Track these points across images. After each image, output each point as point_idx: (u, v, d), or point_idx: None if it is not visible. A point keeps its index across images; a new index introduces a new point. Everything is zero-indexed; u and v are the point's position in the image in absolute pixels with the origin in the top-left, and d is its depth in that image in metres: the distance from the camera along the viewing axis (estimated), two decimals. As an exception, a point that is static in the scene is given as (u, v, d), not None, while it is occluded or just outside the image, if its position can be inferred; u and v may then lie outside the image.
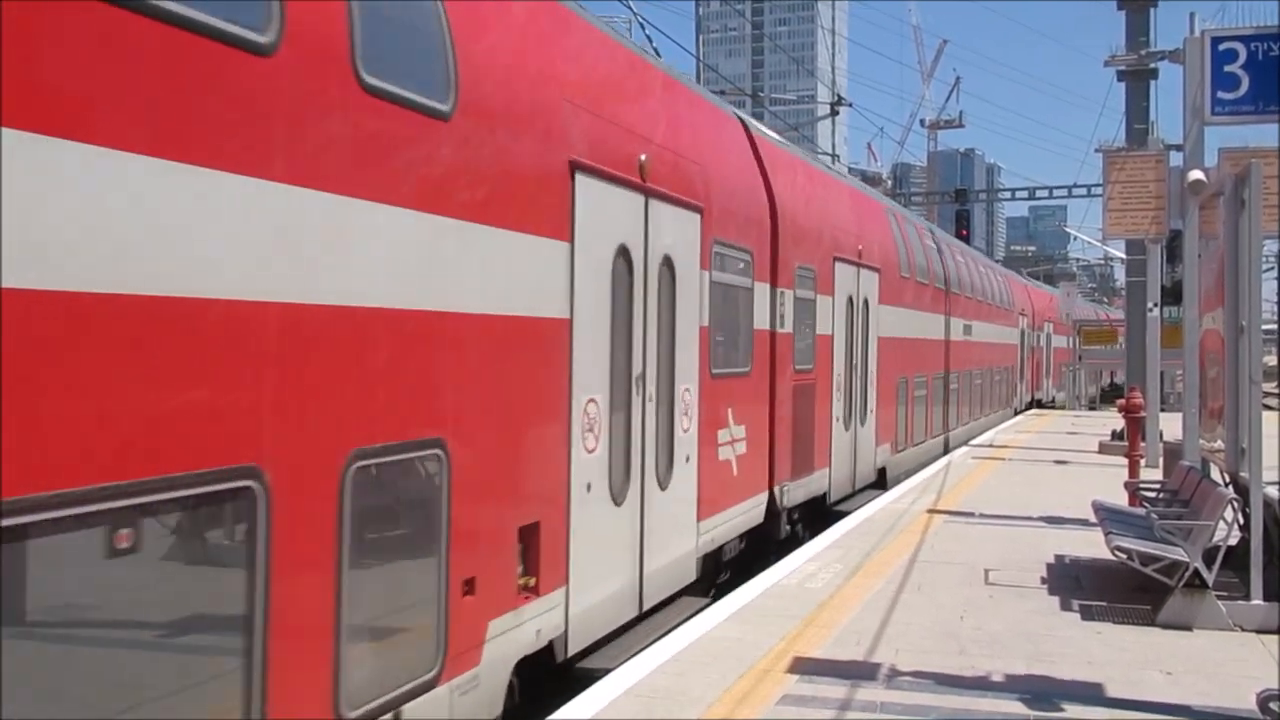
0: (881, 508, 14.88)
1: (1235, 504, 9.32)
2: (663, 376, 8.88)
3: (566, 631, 7.21)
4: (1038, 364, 41.95)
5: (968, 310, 25.81)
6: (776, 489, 12.14)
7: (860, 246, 15.71)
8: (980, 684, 7.27)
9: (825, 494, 14.20)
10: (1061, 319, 47.96)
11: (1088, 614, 9.17)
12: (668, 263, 8.92)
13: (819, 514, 14.02)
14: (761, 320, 11.72)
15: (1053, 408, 42.93)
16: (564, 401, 7.10)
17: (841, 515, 14.13)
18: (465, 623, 5.88)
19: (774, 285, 12.10)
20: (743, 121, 12.45)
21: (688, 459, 9.44)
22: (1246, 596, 8.91)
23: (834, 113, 39.37)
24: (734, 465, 10.75)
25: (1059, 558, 11.47)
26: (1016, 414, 35.49)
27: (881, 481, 17.28)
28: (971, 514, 14.38)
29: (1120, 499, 12.78)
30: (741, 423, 10.94)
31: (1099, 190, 22.25)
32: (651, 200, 8.57)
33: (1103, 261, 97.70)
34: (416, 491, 5.67)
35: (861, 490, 16.04)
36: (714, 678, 7.24)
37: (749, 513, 11.39)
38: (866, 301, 15.92)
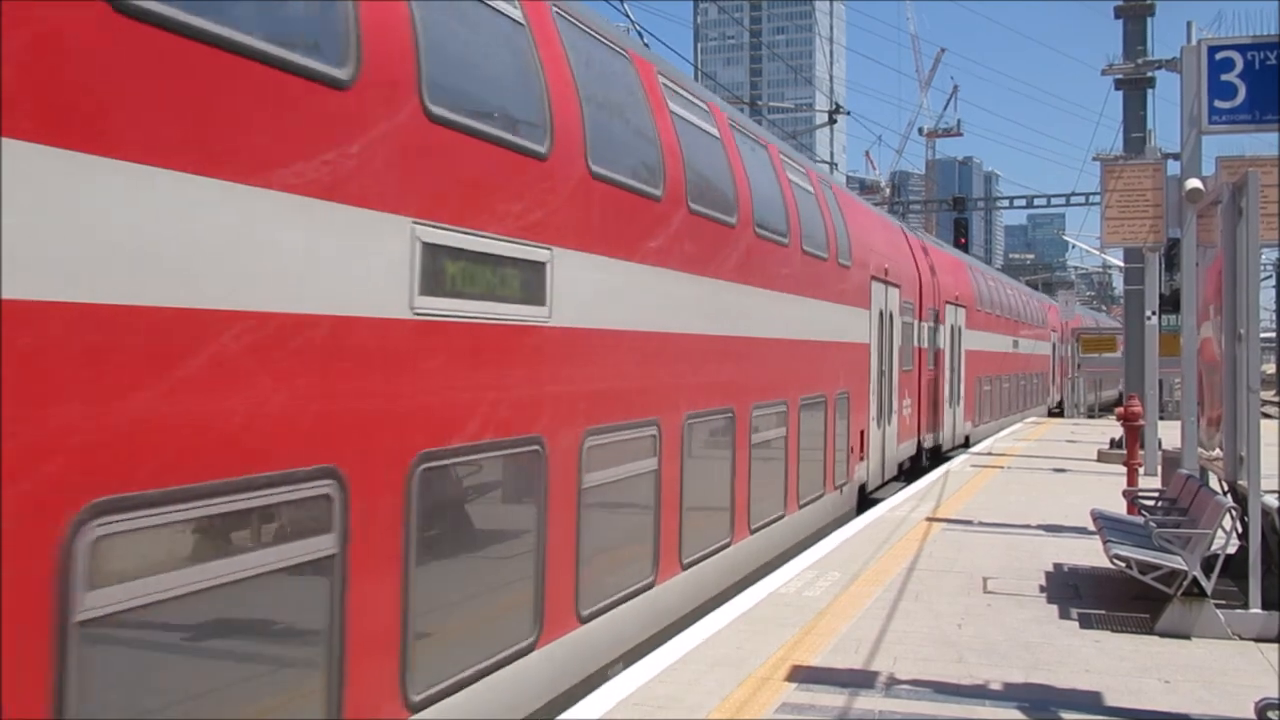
0: (880, 516, 14.88)
1: (1234, 513, 9.33)
2: None
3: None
4: (934, 385, 23.72)
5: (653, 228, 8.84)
6: None
7: None
8: (978, 692, 7.27)
9: None
10: (978, 304, 29.72)
11: (1086, 622, 9.17)
12: None
13: None
14: None
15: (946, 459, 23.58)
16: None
17: None
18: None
19: None
20: None
21: None
22: (1245, 605, 8.91)
23: (832, 121, 39.42)
24: None
25: (1058, 566, 11.47)
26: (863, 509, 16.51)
27: None
28: (970, 522, 14.38)
29: (1119, 507, 12.77)
30: None
31: (1097, 198, 22.24)
32: None
33: (1101, 270, 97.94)
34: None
35: None
36: (712, 686, 7.24)
37: None
38: None
